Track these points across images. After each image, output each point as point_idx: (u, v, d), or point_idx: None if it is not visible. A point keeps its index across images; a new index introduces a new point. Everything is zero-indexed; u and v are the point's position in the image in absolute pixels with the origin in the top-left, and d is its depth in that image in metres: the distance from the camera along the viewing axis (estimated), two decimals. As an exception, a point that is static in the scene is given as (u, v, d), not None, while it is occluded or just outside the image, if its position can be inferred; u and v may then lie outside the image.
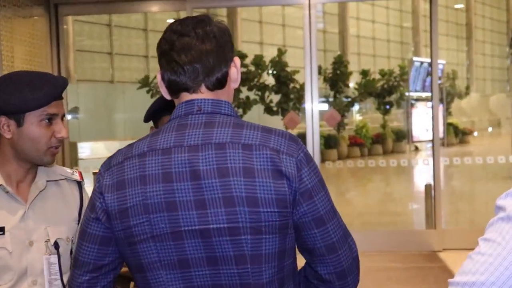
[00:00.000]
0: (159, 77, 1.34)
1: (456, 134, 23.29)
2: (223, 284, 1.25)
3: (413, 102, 20.08)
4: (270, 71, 15.86)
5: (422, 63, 20.88)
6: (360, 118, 23.24)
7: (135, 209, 1.25)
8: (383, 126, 19.98)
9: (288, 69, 15.83)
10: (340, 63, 18.46)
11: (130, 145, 1.33)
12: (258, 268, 1.24)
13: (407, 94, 20.38)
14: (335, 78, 17.73)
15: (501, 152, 7.19)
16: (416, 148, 20.66)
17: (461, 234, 6.11)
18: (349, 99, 18.18)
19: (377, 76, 20.97)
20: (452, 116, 24.80)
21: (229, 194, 1.22)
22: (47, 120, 1.62)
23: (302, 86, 15.92)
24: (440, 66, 18.99)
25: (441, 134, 6.98)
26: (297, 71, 15.95)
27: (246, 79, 14.95)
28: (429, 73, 20.91)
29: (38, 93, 1.58)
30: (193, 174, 1.23)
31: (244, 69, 15.19)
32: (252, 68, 15.24)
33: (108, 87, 17.34)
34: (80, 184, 1.81)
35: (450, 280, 1.03)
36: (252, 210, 1.22)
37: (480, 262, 1.00)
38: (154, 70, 17.83)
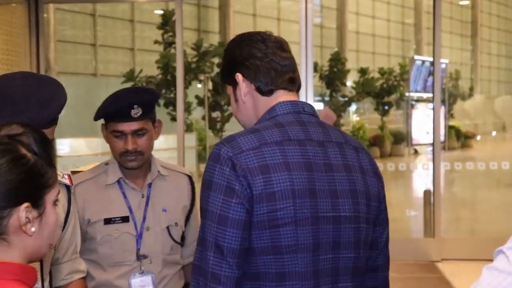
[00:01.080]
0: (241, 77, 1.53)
1: (458, 138, 23.39)
2: (340, 267, 1.46)
3: (413, 103, 20.15)
4: (263, 67, 15.87)
5: (423, 62, 20.98)
6: (357, 118, 23.30)
7: (282, 193, 1.39)
8: (381, 127, 20.04)
9: (282, 66, 15.86)
10: (337, 60, 18.52)
11: (251, 133, 1.45)
12: (364, 253, 1.52)
13: (407, 94, 20.45)
14: (332, 76, 17.79)
15: (505, 158, 7.23)
16: (416, 152, 20.73)
17: (461, 243, 6.15)
18: (346, 99, 18.24)
19: (376, 75, 21.04)
20: (454, 119, 24.90)
21: (353, 187, 1.48)
22: None
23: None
24: (443, 66, 19.05)
25: (442, 138, 7.01)
26: (292, 68, 15.95)
27: (238, 75, 14.97)
28: (431, 73, 21.00)
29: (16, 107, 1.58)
30: (327, 166, 1.46)
31: (235, 65, 15.19)
32: (244, 63, 15.22)
33: (91, 81, 17.30)
34: (69, 188, 1.86)
35: None
36: (367, 203, 1.50)
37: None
38: (140, 64, 17.79)
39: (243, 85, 1.51)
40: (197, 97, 14.32)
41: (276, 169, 1.38)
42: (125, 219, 2.15)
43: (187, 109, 12.43)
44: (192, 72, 13.95)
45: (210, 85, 14.18)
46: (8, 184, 1.06)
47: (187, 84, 12.83)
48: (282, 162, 1.40)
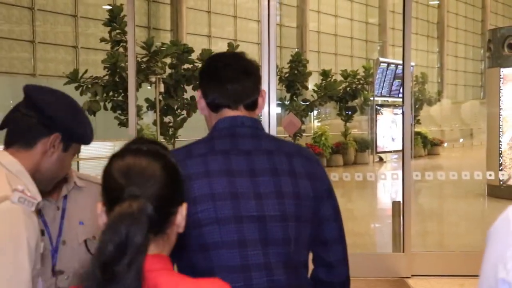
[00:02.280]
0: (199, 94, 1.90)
1: (425, 145, 23.82)
2: (271, 262, 1.71)
3: (378, 107, 20.42)
4: (220, 69, 15.84)
5: (389, 64, 21.29)
6: (319, 124, 23.48)
7: (202, 197, 1.69)
8: (345, 134, 20.26)
9: (240, 67, 15.85)
10: (298, 62, 18.62)
11: (183, 148, 1.84)
12: (298, 249, 1.75)
13: (371, 98, 20.72)
14: (292, 78, 17.87)
15: (474, 167, 7.38)
16: (381, 159, 21.01)
17: (432, 258, 6.24)
18: (307, 103, 18.35)
19: (339, 78, 21.27)
20: (420, 125, 25.34)
21: (279, 189, 1.74)
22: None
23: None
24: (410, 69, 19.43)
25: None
26: (250, 70, 15.96)
27: (192, 77, 14.86)
28: (397, 76, 21.35)
29: (91, 129, 1.91)
30: (251, 172, 1.75)
31: (189, 66, 15.12)
32: (199, 64, 15.17)
33: (29, 81, 16.89)
34: None
35: None
36: (296, 202, 1.75)
37: None
38: (85, 63, 17.54)
39: None
40: (147, 100, 14.19)
41: (197, 177, 1.66)
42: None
43: (138, 113, 12.29)
44: (142, 73, 13.80)
45: (161, 87, 14.06)
46: (181, 183, 1.35)
47: (137, 86, 12.68)
48: (202, 171, 1.72)
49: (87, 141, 1.90)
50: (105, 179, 1.30)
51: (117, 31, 13.66)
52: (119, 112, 13.43)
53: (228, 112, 1.84)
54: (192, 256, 1.71)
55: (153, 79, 14.15)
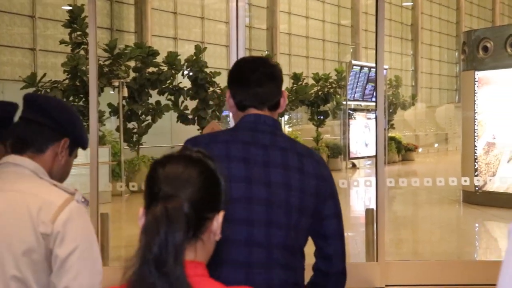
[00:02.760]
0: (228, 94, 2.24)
1: (399, 150, 24.05)
2: (273, 243, 2.03)
3: (351, 112, 20.58)
4: (186, 72, 15.82)
5: (362, 67, 21.49)
6: (290, 130, 23.56)
7: None
8: (317, 139, 20.36)
9: (207, 70, 15.85)
10: (268, 65, 18.70)
11: (209, 134, 2.23)
12: (296, 236, 2.07)
13: (344, 103, 20.87)
14: (262, 82, 17.88)
15: (449, 172, 7.49)
16: (354, 166, 21.15)
17: (407, 267, 6.30)
18: (278, 107, 18.40)
19: (311, 81, 21.39)
20: (394, 130, 25.59)
21: (288, 182, 2.06)
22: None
23: (224, 91, 15.96)
24: (383, 72, 19.61)
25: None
26: (218, 73, 15.99)
27: (157, 81, 14.83)
28: (370, 79, 21.55)
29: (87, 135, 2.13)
30: (265, 163, 2.07)
31: (154, 69, 15.06)
32: (165, 67, 15.15)
33: (-16, 85, 16.68)
34: None
35: None
36: (300, 196, 2.07)
37: None
38: (43, 67, 17.36)
39: None
40: (110, 105, 14.10)
41: (218, 159, 1.71)
42: None
43: (100, 119, 12.21)
44: (104, 77, 13.73)
45: (125, 92, 13.98)
46: (219, 190, 1.44)
47: (99, 91, 12.61)
48: (224, 154, 2.04)
49: (87, 146, 2.10)
50: (146, 184, 1.41)
51: (78, 32, 13.57)
52: (80, 118, 13.33)
53: (254, 111, 2.17)
54: None
55: (116, 83, 14.08)
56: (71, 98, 13.29)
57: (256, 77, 2.17)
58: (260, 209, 2.02)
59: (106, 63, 14.29)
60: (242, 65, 2.27)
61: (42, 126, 1.95)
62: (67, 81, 13.55)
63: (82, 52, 13.54)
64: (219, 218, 1.42)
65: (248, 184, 2.02)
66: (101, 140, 12.69)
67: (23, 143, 1.94)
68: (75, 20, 13.56)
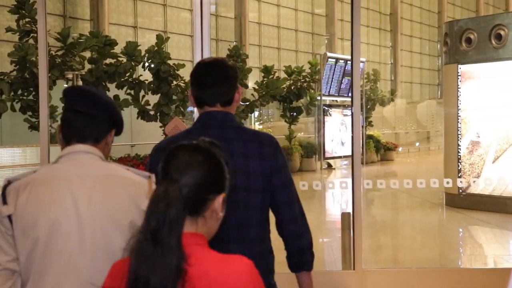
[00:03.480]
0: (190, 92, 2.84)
1: (378, 150, 24.22)
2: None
3: (326, 108, 20.66)
4: (147, 64, 15.72)
5: (337, 60, 21.60)
6: (261, 127, 23.57)
7: None
8: (289, 137, 20.40)
9: (170, 62, 15.77)
10: (236, 57, 18.68)
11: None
12: (248, 210, 2.68)
13: (319, 98, 20.94)
14: (230, 75, 17.87)
15: (431, 173, 7.54)
16: (329, 166, 21.25)
17: (386, 276, 6.33)
18: (247, 103, 18.40)
19: (282, 75, 21.40)
20: (372, 127, 25.76)
21: (247, 168, 2.66)
22: None
23: (188, 85, 15.78)
24: (360, 65, 19.70)
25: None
26: (182, 65, 15.92)
27: (115, 73, 14.71)
28: (346, 73, 21.63)
29: None
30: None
31: (112, 61, 14.94)
32: (124, 59, 15.02)
33: None
34: None
35: None
36: (245, 177, 2.65)
37: None
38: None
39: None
40: (63, 100, 13.96)
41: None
42: None
43: (52, 115, 12.06)
44: (56, 69, 13.57)
45: (80, 85, 13.83)
46: (221, 176, 1.83)
47: (51, 84, 12.46)
48: None
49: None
50: (160, 167, 1.80)
51: (26, 19, 13.39)
52: (30, 113, 13.16)
53: (207, 108, 2.77)
54: None
55: (70, 75, 13.93)
56: (19, 92, 13.10)
57: (210, 80, 2.77)
58: (240, 195, 2.62)
59: (59, 53, 14.13)
60: (199, 69, 2.84)
61: (97, 118, 2.40)
62: (14, 72, 13.36)
63: (31, 41, 13.37)
64: (219, 199, 1.81)
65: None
66: (54, 138, 12.50)
67: (82, 134, 2.37)
68: (23, 6, 13.37)
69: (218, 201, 1.80)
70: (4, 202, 2.21)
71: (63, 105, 2.54)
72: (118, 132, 2.58)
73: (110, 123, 2.47)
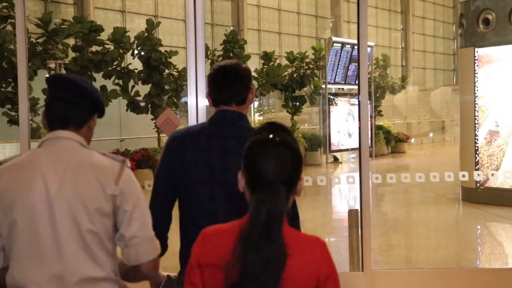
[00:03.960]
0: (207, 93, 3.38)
1: (388, 141, 24.21)
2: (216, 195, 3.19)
3: (331, 97, 20.65)
4: (136, 52, 15.71)
5: (343, 44, 21.58)
6: (261, 118, 23.56)
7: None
8: (292, 129, 20.37)
9: (162, 49, 15.76)
10: (233, 42, 18.67)
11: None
12: (230, 202, 3.11)
13: (323, 86, 20.93)
14: (227, 62, 17.86)
15: (446, 167, 7.51)
16: (336, 160, 21.24)
17: (397, 277, 6.33)
18: (246, 92, 18.39)
19: (284, 62, 21.38)
20: (382, 117, 25.73)
21: (226, 165, 3.16)
22: None
23: (183, 74, 15.86)
24: (368, 50, 19.69)
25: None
26: (175, 52, 15.91)
27: (102, 62, 14.70)
28: (354, 59, 21.58)
29: None
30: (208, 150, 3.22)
31: (99, 48, 14.92)
32: (111, 46, 15.01)
33: None
34: None
35: None
36: (224, 172, 3.16)
37: None
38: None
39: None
40: (45, 91, 13.94)
41: (190, 149, 3.23)
42: None
43: (32, 108, 12.05)
44: (37, 58, 13.56)
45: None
46: (302, 165, 2.19)
47: (31, 75, 12.46)
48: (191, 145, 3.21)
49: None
50: (248, 160, 2.15)
51: (3, 4, 13.35)
52: (9, 106, 13.16)
53: (223, 107, 3.26)
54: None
55: (52, 65, 13.92)
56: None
57: (226, 81, 3.26)
58: (205, 185, 3.16)
59: (39, 41, 14.12)
60: (216, 72, 3.32)
61: (78, 105, 2.66)
62: (-8, 62, 13.35)
63: (9, 27, 13.34)
64: (301, 182, 2.17)
65: (210, 168, 3.16)
66: (35, 133, 12.53)
67: (64, 120, 2.63)
68: (1, -10, 13.34)
69: (301, 184, 2.17)
70: None
71: (45, 97, 2.74)
72: (100, 115, 2.81)
73: (91, 108, 2.73)
